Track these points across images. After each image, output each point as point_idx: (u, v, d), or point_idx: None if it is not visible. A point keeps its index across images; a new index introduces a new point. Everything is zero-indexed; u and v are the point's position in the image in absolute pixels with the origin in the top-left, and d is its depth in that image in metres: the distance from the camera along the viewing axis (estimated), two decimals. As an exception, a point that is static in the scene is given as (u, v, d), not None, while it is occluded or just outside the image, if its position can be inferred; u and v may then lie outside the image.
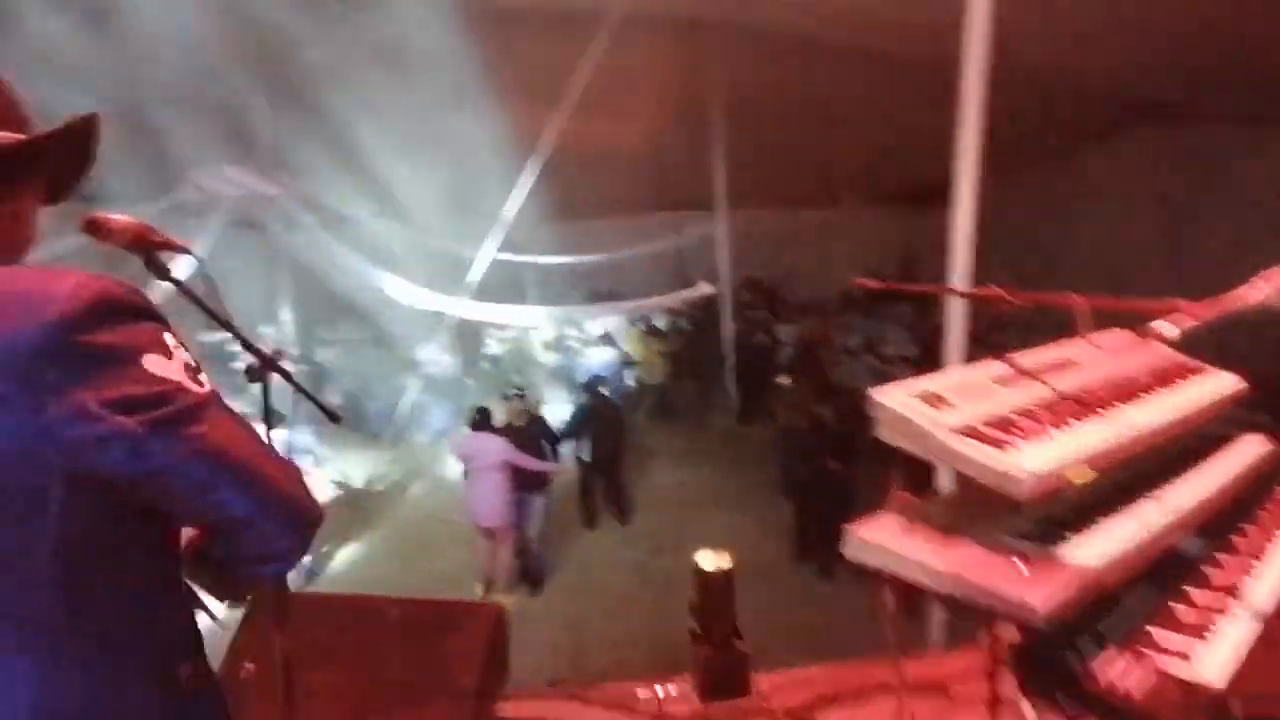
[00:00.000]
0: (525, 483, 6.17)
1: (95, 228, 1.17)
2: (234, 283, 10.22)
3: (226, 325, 1.56)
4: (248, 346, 1.63)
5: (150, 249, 1.22)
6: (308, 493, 1.01)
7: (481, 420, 6.30)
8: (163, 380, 0.88)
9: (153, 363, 0.88)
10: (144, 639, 0.96)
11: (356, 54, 7.29)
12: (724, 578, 3.12)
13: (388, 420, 10.06)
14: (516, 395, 6.60)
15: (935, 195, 4.59)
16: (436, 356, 10.29)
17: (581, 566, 6.85)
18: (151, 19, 6.95)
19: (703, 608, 3.07)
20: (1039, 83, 7.09)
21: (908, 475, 1.58)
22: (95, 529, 0.89)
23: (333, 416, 1.91)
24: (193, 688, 1.00)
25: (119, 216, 1.21)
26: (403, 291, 9.25)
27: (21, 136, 0.98)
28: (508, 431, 6.28)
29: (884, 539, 1.39)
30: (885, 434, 1.44)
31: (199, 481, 0.90)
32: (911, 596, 1.42)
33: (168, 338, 0.92)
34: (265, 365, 1.69)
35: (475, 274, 8.92)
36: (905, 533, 1.40)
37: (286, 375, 1.74)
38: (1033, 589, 1.24)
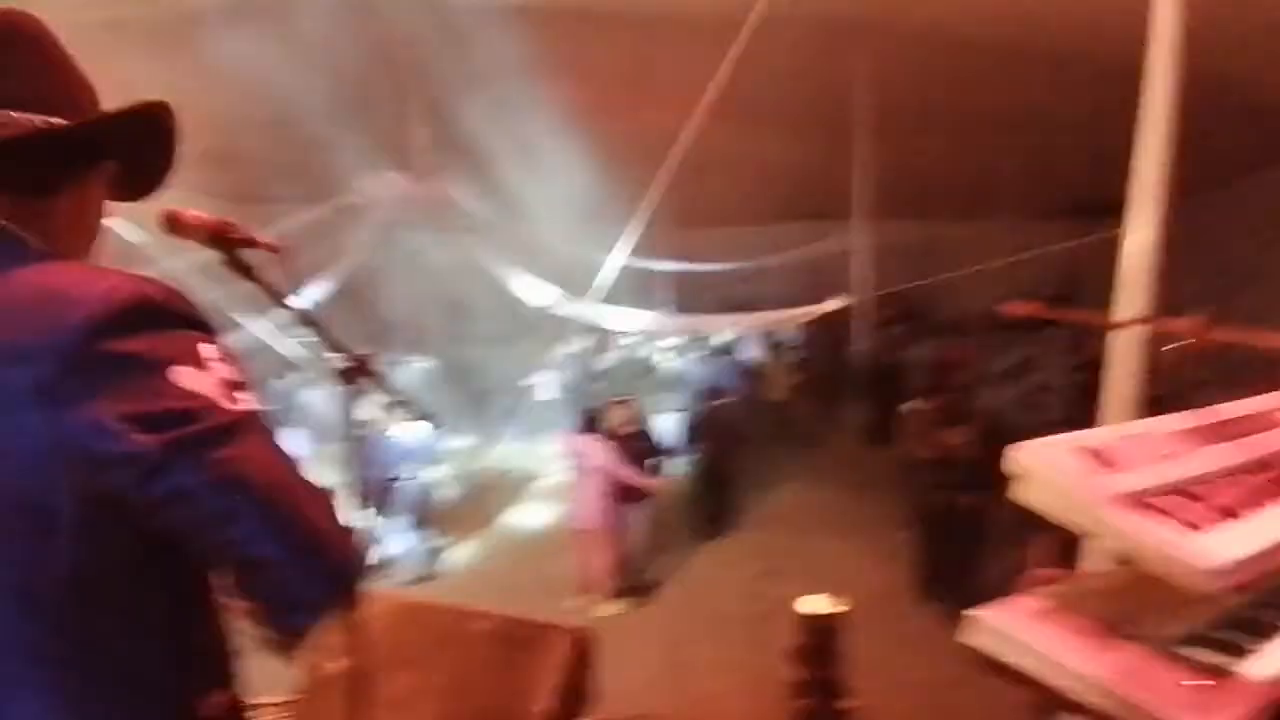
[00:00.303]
0: (624, 493, 6.09)
1: (172, 223, 1.14)
2: (389, 283, 10.95)
3: (313, 324, 1.53)
4: (336, 347, 1.60)
5: (229, 245, 1.18)
6: (349, 539, 0.91)
7: (587, 423, 6.29)
8: (191, 395, 0.79)
9: (182, 375, 0.80)
10: (165, 672, 0.88)
11: (496, 62, 7.51)
12: (831, 625, 2.85)
13: (515, 419, 10.34)
14: (624, 402, 6.54)
15: (1105, 210, 4.11)
16: (562, 358, 10.50)
17: (686, 582, 6.67)
18: (316, 32, 7.47)
19: (805, 657, 2.81)
20: (1232, 90, 6.28)
21: (1052, 546, 1.32)
22: (112, 554, 0.81)
23: (426, 418, 1.86)
24: None
25: (196, 211, 1.17)
26: (535, 294, 9.48)
27: (63, 122, 0.92)
28: (612, 438, 6.21)
29: (1015, 627, 1.14)
30: (1028, 494, 1.19)
31: (219, 513, 0.80)
32: (1047, 697, 1.17)
33: (206, 348, 0.83)
34: (356, 368, 1.65)
35: (604, 279, 8.98)
36: (1042, 621, 1.15)
37: (377, 378, 1.70)
38: (1205, 714, 0.97)
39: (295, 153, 9.82)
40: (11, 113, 0.87)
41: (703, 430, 7.51)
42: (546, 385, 10.66)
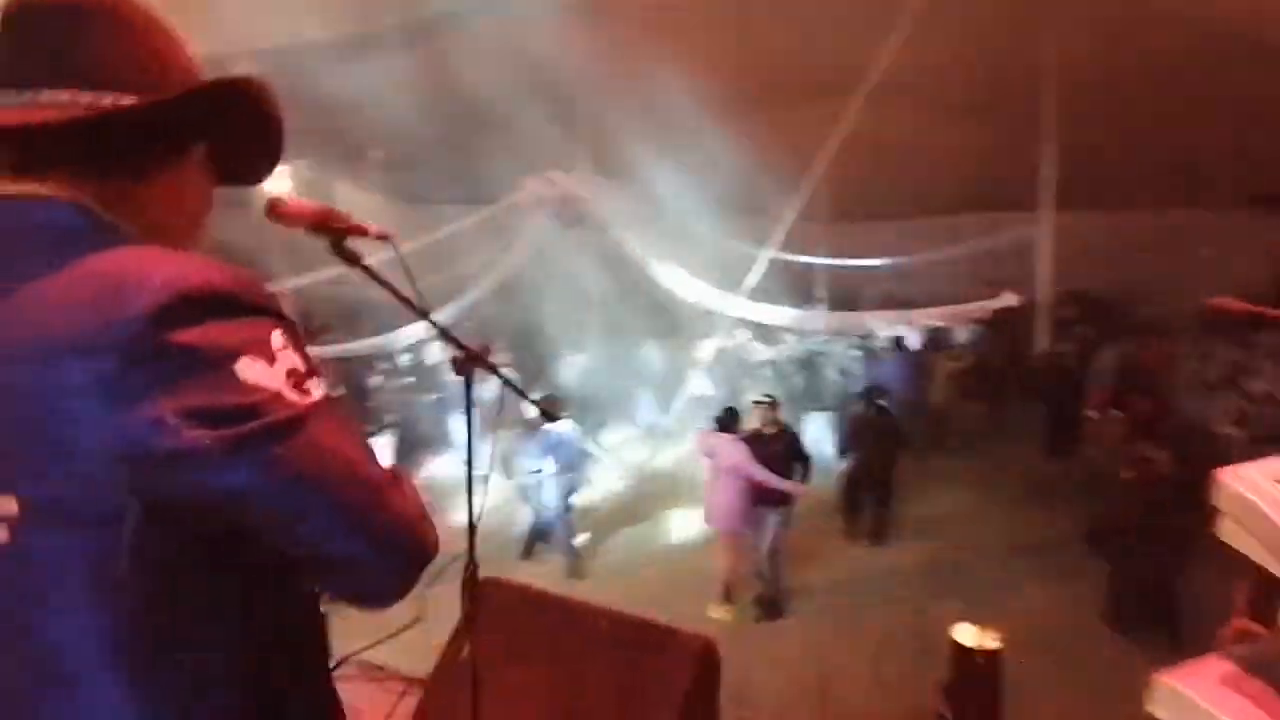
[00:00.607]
0: (760, 496, 5.86)
1: (275, 210, 1.14)
2: (548, 279, 11.38)
3: (422, 314, 1.53)
4: (448, 338, 1.59)
5: (334, 233, 1.19)
6: (423, 527, 0.87)
7: (725, 421, 6.15)
8: (256, 389, 0.76)
9: (248, 368, 0.76)
10: (243, 662, 0.84)
11: (650, 55, 7.54)
12: (989, 661, 2.56)
13: (668, 416, 10.40)
14: (766, 403, 6.31)
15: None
16: (715, 355, 10.41)
17: (836, 595, 6.35)
18: (478, 44, 7.87)
19: (958, 693, 2.55)
20: None
21: (1256, 592, 1.08)
22: (179, 550, 0.77)
23: (547, 415, 1.83)
24: (302, 713, 0.91)
25: (300, 200, 1.18)
26: (688, 289, 9.46)
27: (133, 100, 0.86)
28: (752, 438, 6.02)
29: (1205, 695, 0.93)
30: (1230, 532, 0.98)
31: (286, 511, 0.78)
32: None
33: (276, 337, 0.79)
34: (470, 358, 1.64)
35: (755, 274, 8.79)
36: (1237, 687, 0.93)
37: (494, 369, 1.69)
38: None
39: (463, 157, 10.49)
40: (81, 92, 0.82)
41: (858, 433, 7.15)
42: (699, 382, 10.62)
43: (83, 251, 0.77)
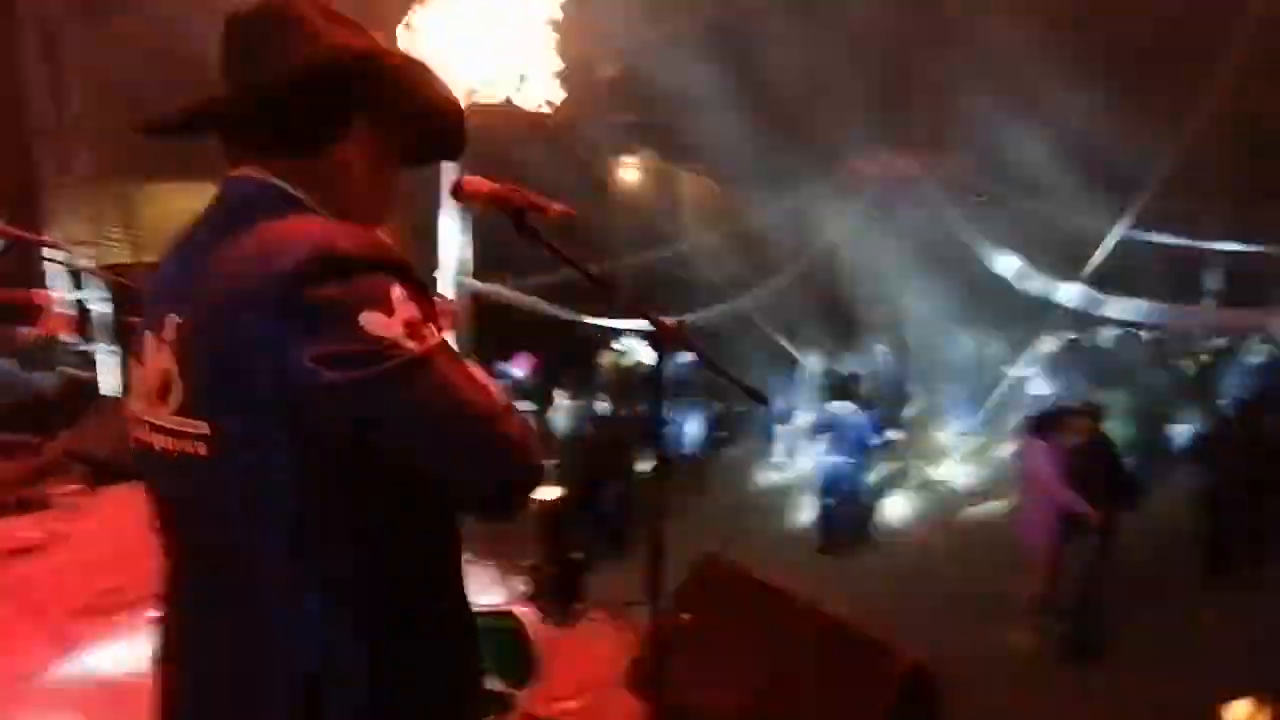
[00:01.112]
0: (1071, 515, 5.00)
1: (458, 190, 1.26)
2: (876, 262, 10.95)
3: (607, 286, 1.58)
4: (643, 315, 1.55)
5: (515, 211, 1.26)
6: (527, 451, 0.97)
7: (1042, 426, 5.41)
8: (377, 338, 0.87)
9: (370, 319, 0.87)
10: (378, 582, 0.98)
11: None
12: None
13: (999, 414, 9.41)
14: (1083, 409, 5.36)
15: None
16: (1054, 350, 9.14)
17: (1172, 641, 5.17)
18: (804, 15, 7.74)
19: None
20: None
21: None
22: (330, 477, 0.92)
23: (755, 396, 1.79)
24: (428, 627, 1.04)
25: (480, 179, 1.27)
26: (1017, 274, 8.42)
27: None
28: (1064, 450, 5.19)
29: None
30: None
31: (406, 439, 0.91)
32: None
33: (396, 291, 0.90)
34: (665, 336, 1.65)
35: (1097, 257, 7.49)
36: None
37: (696, 348, 1.68)
38: None
39: (787, 136, 10.47)
40: (262, 84, 0.98)
41: (1224, 449, 5.80)
42: (1035, 382, 9.40)
43: (263, 218, 0.94)
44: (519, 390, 9.54)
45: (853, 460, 6.81)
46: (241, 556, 0.97)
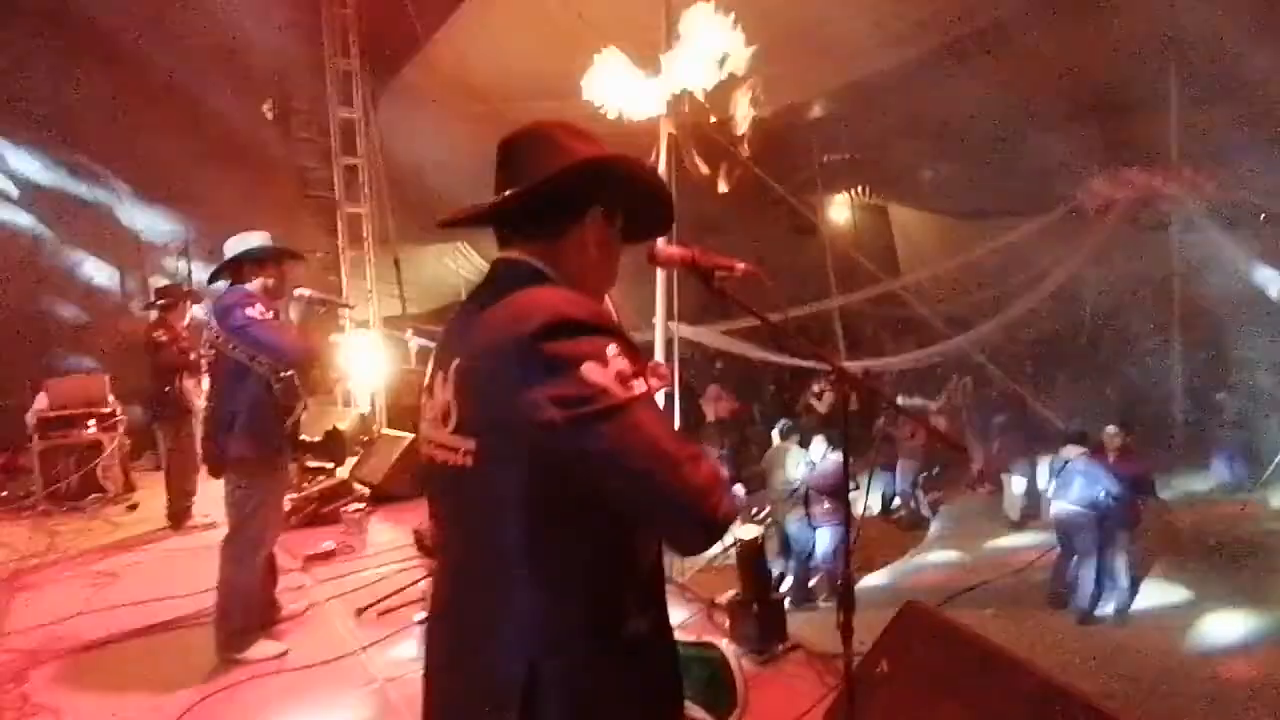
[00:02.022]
0: None
1: (652, 257, 1.47)
2: (1121, 288, 9.86)
3: (787, 336, 1.72)
4: (819, 357, 1.71)
5: (703, 272, 1.46)
6: (713, 496, 1.09)
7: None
8: (593, 385, 1.07)
9: (590, 369, 1.07)
10: (606, 582, 1.19)
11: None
12: None
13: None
14: None
15: None
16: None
17: None
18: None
19: None
20: None
21: None
22: (556, 492, 1.13)
23: (953, 446, 1.83)
24: (633, 640, 1.21)
25: (669, 247, 1.48)
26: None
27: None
28: None
29: None
30: None
31: (606, 470, 1.08)
32: None
33: (610, 349, 1.10)
34: (840, 379, 1.75)
35: None
36: None
37: (873, 391, 1.78)
38: None
39: (1018, 165, 9.82)
40: (516, 187, 1.27)
41: None
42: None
43: (519, 288, 1.20)
44: (727, 431, 9.61)
45: (1088, 511, 6.11)
46: (491, 550, 1.22)
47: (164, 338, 5.80)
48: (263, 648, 3.48)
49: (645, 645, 1.24)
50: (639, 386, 1.11)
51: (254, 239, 3.57)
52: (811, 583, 7.27)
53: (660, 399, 1.22)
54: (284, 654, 3.47)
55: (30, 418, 6.48)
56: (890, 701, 2.36)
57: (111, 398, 6.78)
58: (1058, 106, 7.92)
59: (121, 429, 6.75)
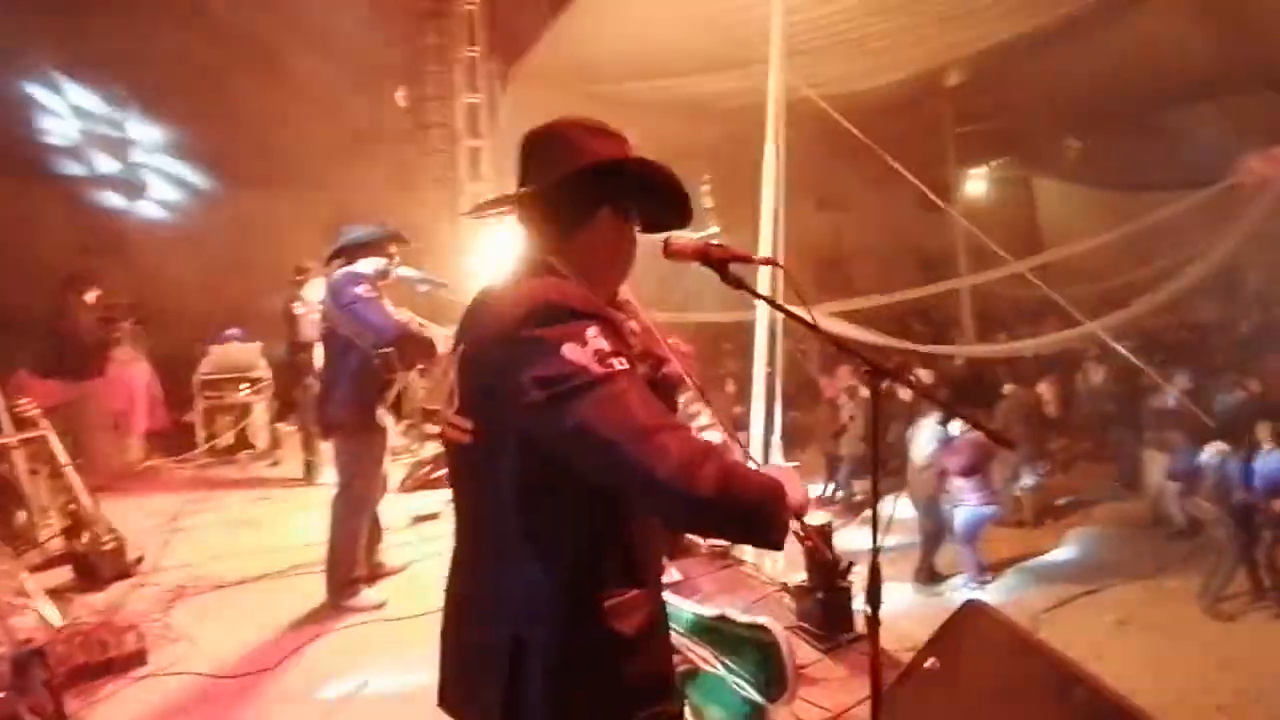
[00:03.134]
0: None
1: (667, 249, 1.47)
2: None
3: (815, 328, 1.64)
4: (859, 356, 1.60)
5: (717, 263, 1.45)
6: (691, 466, 1.08)
7: None
8: (571, 364, 1.13)
9: (570, 350, 1.14)
10: (596, 558, 1.26)
11: None
12: None
13: None
14: None
15: None
16: None
17: None
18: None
19: None
20: None
21: None
22: (542, 470, 1.20)
23: (1002, 442, 1.75)
24: (615, 612, 1.26)
25: (685, 239, 1.48)
26: None
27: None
28: None
29: None
30: None
31: (585, 446, 1.12)
32: None
33: (590, 331, 1.16)
34: (879, 373, 1.68)
35: None
36: None
37: (911, 384, 1.72)
38: None
39: (1172, 138, 8.87)
40: (531, 185, 1.34)
41: None
42: None
43: (524, 281, 1.30)
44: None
45: (1238, 512, 5.52)
46: (488, 524, 1.32)
47: (301, 310, 6.35)
48: (365, 598, 3.82)
49: (630, 626, 1.28)
50: (619, 364, 1.15)
51: (367, 225, 3.87)
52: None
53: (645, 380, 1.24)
54: (382, 605, 3.80)
55: (195, 379, 7.33)
56: (933, 700, 2.30)
57: (263, 363, 7.53)
58: (1211, 77, 7.05)
59: (269, 392, 7.50)
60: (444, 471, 5.77)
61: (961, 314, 12.03)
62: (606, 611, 1.26)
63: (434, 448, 6.44)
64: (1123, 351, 7.25)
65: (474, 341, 1.31)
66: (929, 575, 7.03)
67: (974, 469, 6.43)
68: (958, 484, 6.61)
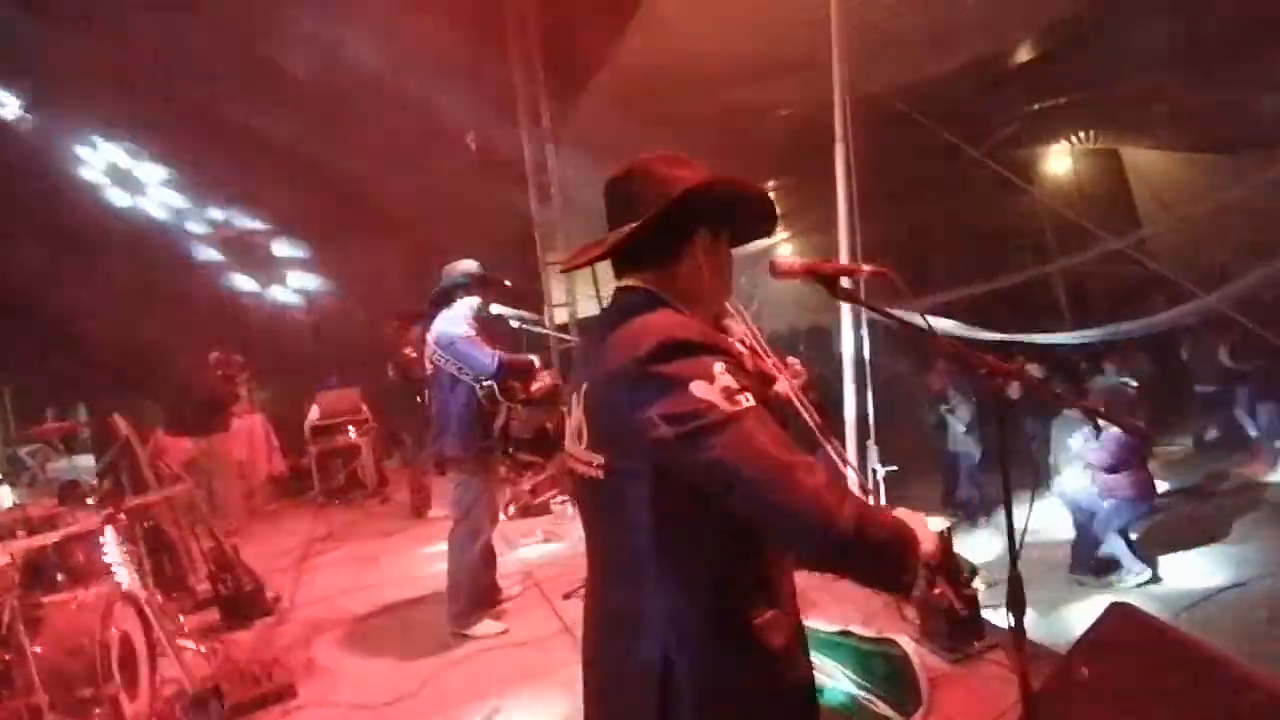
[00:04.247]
0: None
1: (773, 268, 1.52)
2: None
3: (932, 334, 1.60)
4: (956, 357, 1.51)
5: (825, 279, 1.47)
6: (824, 502, 1.11)
7: None
8: (700, 401, 1.15)
9: (698, 387, 1.16)
10: (733, 581, 1.28)
11: None
12: None
13: None
14: None
15: None
16: None
17: None
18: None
19: None
20: None
21: None
22: (676, 503, 1.23)
23: (1135, 432, 1.69)
24: (760, 631, 1.28)
25: (791, 259, 1.51)
26: None
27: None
28: None
29: None
30: None
31: (718, 483, 1.16)
32: None
33: (717, 367, 1.18)
34: (990, 372, 1.64)
35: None
36: None
37: (1021, 378, 1.64)
38: None
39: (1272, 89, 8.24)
40: (629, 222, 1.35)
41: None
42: None
43: (639, 314, 1.30)
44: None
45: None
46: (624, 553, 1.36)
47: (414, 354, 6.61)
48: (486, 625, 3.94)
49: (774, 651, 1.29)
50: (746, 401, 1.18)
51: (463, 266, 4.04)
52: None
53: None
54: (504, 632, 3.91)
55: (306, 426, 7.76)
56: (1090, 712, 2.19)
57: (364, 407, 7.91)
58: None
59: (374, 434, 7.86)
60: (546, 498, 6.01)
61: (1057, 297, 11.50)
62: (757, 629, 1.28)
63: (535, 477, 6.59)
64: (1249, 325, 6.73)
65: (596, 378, 1.34)
66: (1091, 567, 6.66)
67: (1122, 463, 6.11)
68: (1107, 479, 6.31)
